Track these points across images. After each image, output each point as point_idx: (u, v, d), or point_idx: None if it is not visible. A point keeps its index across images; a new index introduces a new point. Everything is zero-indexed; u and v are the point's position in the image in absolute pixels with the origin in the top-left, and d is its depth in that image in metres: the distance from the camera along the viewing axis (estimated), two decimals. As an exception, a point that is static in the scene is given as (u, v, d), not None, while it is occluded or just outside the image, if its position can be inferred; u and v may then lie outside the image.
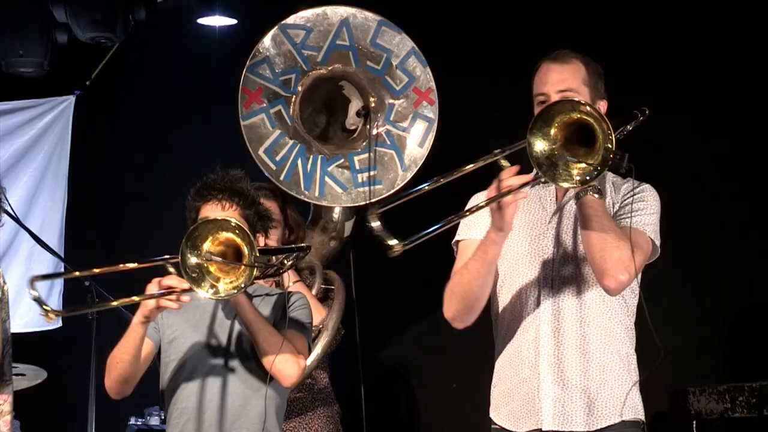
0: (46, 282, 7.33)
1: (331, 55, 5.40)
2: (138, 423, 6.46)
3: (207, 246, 3.83)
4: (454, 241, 3.89)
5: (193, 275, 3.82)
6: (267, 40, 5.38)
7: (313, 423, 5.27)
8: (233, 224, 3.86)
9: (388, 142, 5.35)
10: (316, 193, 5.31)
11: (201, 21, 6.92)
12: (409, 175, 5.31)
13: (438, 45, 5.86)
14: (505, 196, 3.51)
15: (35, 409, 6.85)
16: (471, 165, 3.60)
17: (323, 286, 5.28)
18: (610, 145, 3.39)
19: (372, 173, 5.31)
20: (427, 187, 3.59)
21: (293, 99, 5.42)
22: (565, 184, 3.53)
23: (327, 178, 5.33)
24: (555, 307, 3.73)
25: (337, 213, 5.59)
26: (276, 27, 5.38)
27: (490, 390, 3.86)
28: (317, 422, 5.32)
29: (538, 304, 3.75)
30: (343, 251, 5.64)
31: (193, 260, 3.81)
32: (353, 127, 5.55)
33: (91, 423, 6.00)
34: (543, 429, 3.69)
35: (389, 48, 5.38)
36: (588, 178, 3.46)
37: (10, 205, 6.36)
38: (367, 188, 5.26)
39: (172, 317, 4.17)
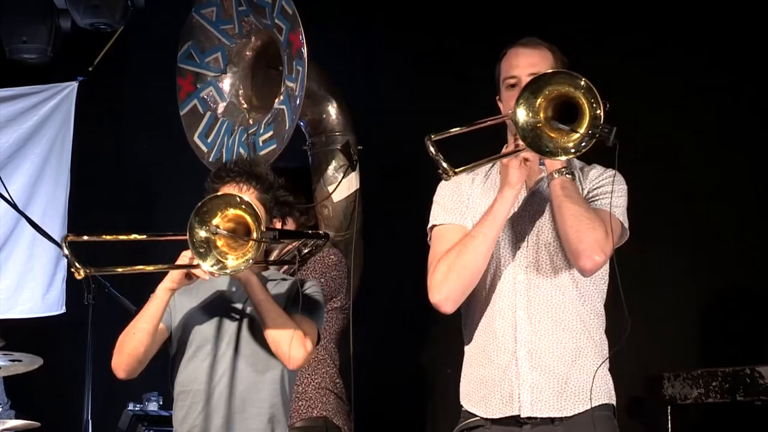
0: (48, 271, 7.39)
1: (242, 23, 5.35)
2: (136, 409, 6.46)
3: (216, 221, 3.82)
4: (429, 226, 3.87)
5: (201, 250, 3.80)
6: (187, 26, 5.34)
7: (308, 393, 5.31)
8: (241, 200, 3.84)
9: (282, 98, 5.29)
10: None
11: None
12: (293, 126, 5.22)
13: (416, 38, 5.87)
14: (517, 152, 3.56)
15: (32, 396, 6.89)
16: (485, 122, 3.67)
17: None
18: (598, 118, 3.41)
19: (269, 134, 5.25)
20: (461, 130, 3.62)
21: (228, 76, 5.36)
22: (552, 156, 3.52)
23: (240, 149, 5.30)
24: (530, 294, 3.72)
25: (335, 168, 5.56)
26: (192, 10, 5.33)
27: (461, 377, 3.84)
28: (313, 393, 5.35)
29: (513, 290, 3.73)
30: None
31: (201, 234, 3.80)
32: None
33: (87, 409, 6.00)
34: (521, 416, 3.67)
35: (267, 0, 5.30)
36: (573, 150, 3.46)
37: (8, 192, 6.40)
38: (266, 150, 5.20)
39: (184, 298, 4.19)
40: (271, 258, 4.52)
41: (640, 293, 5.48)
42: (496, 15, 6.36)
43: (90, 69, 7.46)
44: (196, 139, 5.42)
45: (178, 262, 3.96)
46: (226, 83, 5.46)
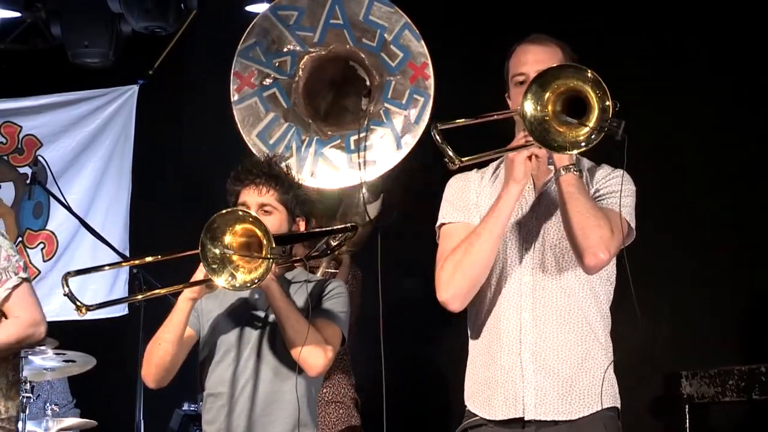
0: (111, 273, 7.48)
1: (327, 34, 5.31)
2: (191, 409, 6.52)
3: (228, 237, 3.82)
4: (438, 224, 3.83)
5: (214, 266, 3.81)
6: (257, 23, 5.32)
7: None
8: (248, 215, 3.84)
9: (385, 121, 5.23)
10: (309, 175, 5.25)
11: (249, 8, 6.93)
12: (404, 153, 5.19)
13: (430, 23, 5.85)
14: (525, 147, 3.52)
15: (88, 395, 6.99)
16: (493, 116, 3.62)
17: (327, 270, 5.27)
18: (607, 112, 3.37)
19: (366, 153, 5.21)
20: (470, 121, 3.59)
21: (292, 81, 5.35)
22: (557, 151, 3.49)
23: (320, 160, 5.25)
24: (536, 295, 3.66)
25: (359, 196, 5.53)
26: (267, 9, 5.33)
27: (465, 377, 3.80)
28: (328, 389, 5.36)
29: (519, 291, 3.67)
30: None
31: (213, 251, 3.80)
32: (363, 108, 5.47)
33: (139, 409, 6.07)
34: (525, 418, 3.61)
35: (382, 24, 5.26)
36: (582, 144, 3.42)
37: (65, 198, 6.50)
38: (359, 169, 5.16)
39: (211, 304, 4.18)
40: (300, 254, 4.47)
41: (657, 293, 5.42)
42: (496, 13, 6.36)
43: (150, 72, 7.56)
44: (254, 137, 5.40)
45: (195, 275, 3.95)
46: (290, 88, 5.45)
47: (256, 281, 3.79)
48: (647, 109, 4.89)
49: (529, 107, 3.44)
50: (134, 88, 7.64)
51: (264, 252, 3.78)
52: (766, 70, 5.76)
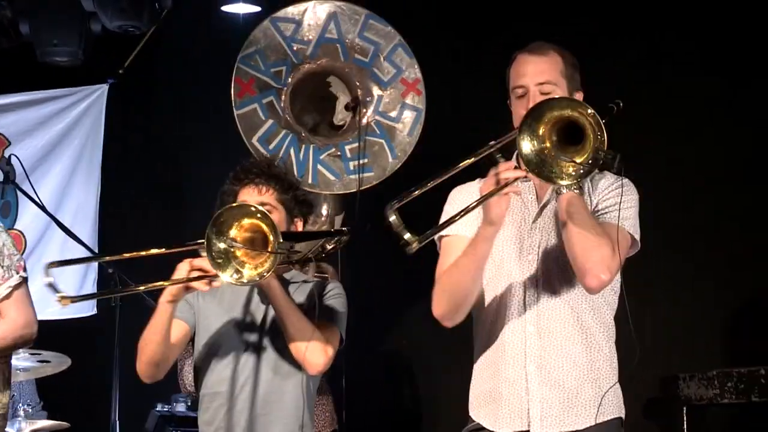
0: (80, 272, 7.45)
1: (320, 49, 5.41)
2: (164, 410, 6.49)
3: (233, 231, 3.80)
4: (437, 236, 3.81)
5: (219, 260, 3.77)
6: (258, 32, 5.39)
7: None
8: (256, 210, 3.81)
9: (378, 132, 5.35)
10: (309, 180, 5.32)
11: (225, 8, 6.93)
12: (399, 163, 5.31)
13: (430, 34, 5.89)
14: (501, 189, 3.45)
15: (62, 396, 6.94)
16: (470, 159, 3.51)
17: (317, 275, 5.29)
18: (601, 145, 3.32)
19: (363, 161, 5.28)
20: (431, 184, 3.48)
21: (284, 91, 5.42)
22: (557, 182, 3.45)
23: (320, 166, 5.33)
24: (539, 307, 3.65)
25: (325, 208, 5.58)
26: (267, 19, 5.39)
27: (469, 388, 3.79)
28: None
29: (523, 304, 3.67)
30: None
31: (218, 245, 3.77)
32: (341, 123, 5.54)
33: (114, 409, 6.04)
34: (530, 431, 3.62)
35: (376, 41, 5.38)
36: (580, 176, 3.40)
37: (38, 195, 6.45)
38: (357, 176, 5.23)
39: (208, 300, 4.17)
40: (297, 256, 4.48)
41: (655, 294, 5.45)
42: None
43: (120, 71, 7.51)
44: (255, 142, 5.47)
45: (175, 275, 3.89)
46: (283, 97, 5.52)
47: (264, 275, 3.77)
48: (640, 112, 4.89)
49: (525, 142, 3.38)
50: (104, 87, 7.58)
51: (270, 247, 3.77)
52: (760, 73, 5.82)
